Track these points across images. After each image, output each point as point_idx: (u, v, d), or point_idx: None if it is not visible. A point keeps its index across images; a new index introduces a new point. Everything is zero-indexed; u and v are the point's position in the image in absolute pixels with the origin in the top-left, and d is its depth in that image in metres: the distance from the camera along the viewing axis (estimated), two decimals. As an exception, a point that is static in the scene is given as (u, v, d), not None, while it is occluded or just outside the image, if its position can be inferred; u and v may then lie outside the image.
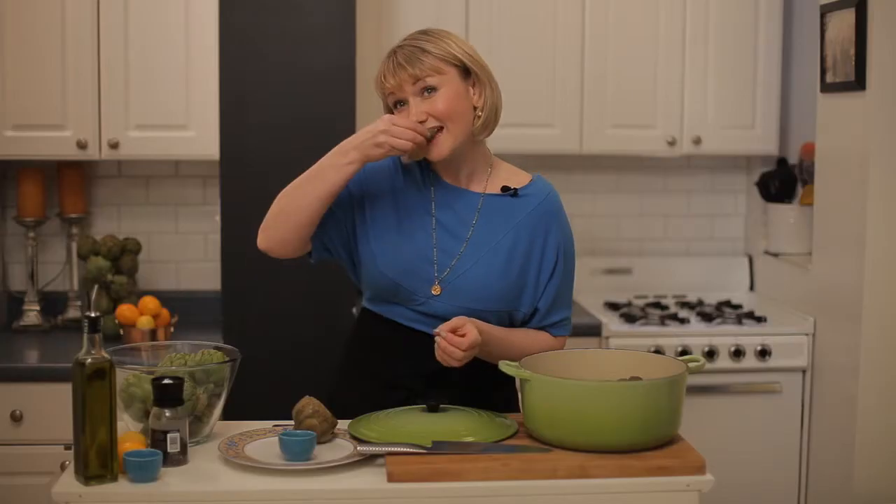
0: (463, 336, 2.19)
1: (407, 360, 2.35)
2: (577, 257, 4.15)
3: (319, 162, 2.28)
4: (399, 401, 2.31)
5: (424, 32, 2.33)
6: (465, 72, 2.31)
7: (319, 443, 2.09)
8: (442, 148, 2.28)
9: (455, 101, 2.27)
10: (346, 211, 2.37)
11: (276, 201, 2.33)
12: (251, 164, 3.41)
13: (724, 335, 3.64)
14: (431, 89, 2.27)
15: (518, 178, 2.43)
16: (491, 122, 2.36)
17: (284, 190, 2.32)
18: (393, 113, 2.32)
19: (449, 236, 2.34)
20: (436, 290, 2.32)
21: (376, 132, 2.21)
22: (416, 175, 2.39)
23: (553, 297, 2.38)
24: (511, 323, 2.38)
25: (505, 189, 2.38)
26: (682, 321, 3.73)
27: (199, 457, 2.07)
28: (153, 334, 3.43)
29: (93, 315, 1.96)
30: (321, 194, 2.26)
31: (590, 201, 4.25)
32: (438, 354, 2.21)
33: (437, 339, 2.20)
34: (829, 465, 3.45)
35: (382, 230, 2.35)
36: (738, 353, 3.61)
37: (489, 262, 2.33)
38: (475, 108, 2.33)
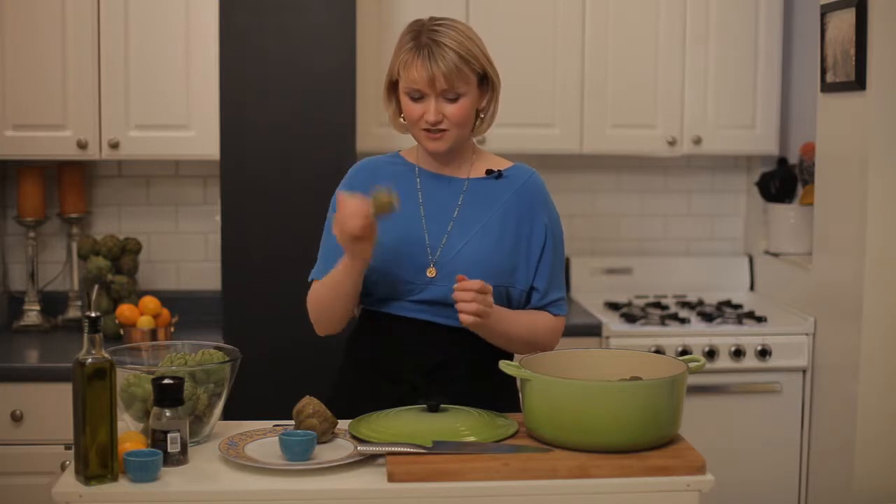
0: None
1: (407, 354, 2.36)
2: (578, 257, 4.20)
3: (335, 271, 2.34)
4: (400, 396, 2.31)
5: (449, 24, 2.33)
6: (483, 79, 2.37)
7: (320, 443, 2.09)
8: (443, 145, 2.35)
9: (470, 112, 2.35)
10: None
11: (309, 303, 2.42)
12: (251, 164, 3.41)
13: (725, 335, 3.64)
14: (454, 96, 2.32)
15: (501, 163, 2.48)
16: (491, 123, 2.45)
17: (312, 297, 2.41)
18: (395, 90, 2.36)
19: (436, 219, 2.38)
20: (431, 273, 2.35)
21: (342, 238, 2.23)
22: (397, 172, 2.44)
23: (548, 275, 2.41)
24: (509, 302, 2.39)
25: (489, 172, 2.43)
26: (683, 321, 3.73)
27: (199, 457, 2.07)
28: (153, 334, 3.44)
29: (93, 315, 1.96)
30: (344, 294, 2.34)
31: (590, 201, 4.25)
32: (460, 307, 2.22)
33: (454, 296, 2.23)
34: (829, 465, 3.45)
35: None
36: (738, 353, 3.61)
37: (480, 240, 2.36)
38: (479, 112, 2.40)
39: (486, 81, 2.38)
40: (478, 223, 2.37)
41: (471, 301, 2.21)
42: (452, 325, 2.35)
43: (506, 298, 2.38)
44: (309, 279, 2.47)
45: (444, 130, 2.33)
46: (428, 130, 2.33)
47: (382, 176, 2.42)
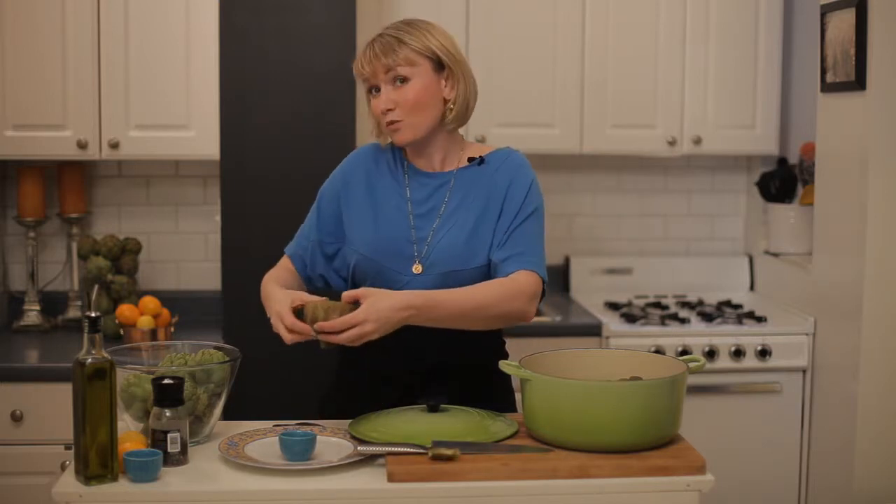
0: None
1: (403, 355, 2.35)
2: (578, 257, 4.20)
3: (266, 294, 2.32)
4: (398, 396, 2.31)
5: (407, 23, 2.37)
6: (439, 65, 2.36)
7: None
8: (404, 135, 2.35)
9: (423, 94, 2.33)
10: (338, 238, 2.44)
11: (263, 284, 2.41)
12: (251, 164, 3.41)
13: (725, 335, 3.64)
14: (403, 79, 2.32)
15: (485, 150, 2.47)
16: (462, 115, 2.41)
17: (263, 282, 2.39)
18: (370, 96, 2.38)
19: (425, 217, 2.38)
20: (417, 269, 2.35)
21: (273, 316, 2.22)
22: (390, 164, 2.45)
23: (509, 232, 2.34)
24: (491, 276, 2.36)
25: (471, 160, 2.43)
26: (683, 321, 3.73)
27: (199, 457, 2.07)
28: (153, 334, 3.44)
29: (93, 315, 1.96)
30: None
31: (590, 201, 4.25)
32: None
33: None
34: (829, 465, 3.45)
35: (360, 217, 2.41)
36: (738, 353, 3.61)
37: (461, 226, 2.35)
38: (446, 101, 2.38)
39: (443, 68, 2.36)
40: (461, 211, 2.37)
41: (339, 339, 2.14)
42: None
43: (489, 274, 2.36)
44: (284, 250, 2.50)
45: (399, 120, 2.33)
46: (388, 124, 2.35)
47: (381, 169, 2.44)
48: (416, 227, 2.37)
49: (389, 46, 2.32)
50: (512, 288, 2.27)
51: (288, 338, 2.18)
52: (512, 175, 2.39)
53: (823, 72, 3.43)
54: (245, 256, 3.43)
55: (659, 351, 3.54)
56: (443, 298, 2.21)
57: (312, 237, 2.47)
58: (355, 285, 2.40)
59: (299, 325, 2.16)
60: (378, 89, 2.35)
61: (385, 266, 2.35)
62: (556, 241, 4.20)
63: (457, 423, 2.15)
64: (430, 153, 2.42)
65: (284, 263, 2.49)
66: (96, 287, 3.56)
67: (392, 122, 2.34)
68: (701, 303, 4.02)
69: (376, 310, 2.14)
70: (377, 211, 2.40)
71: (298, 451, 2.02)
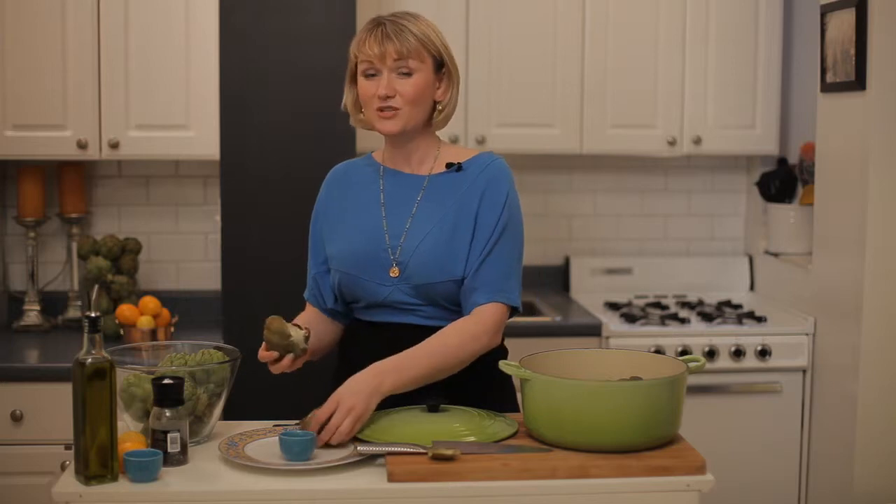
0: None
1: None
2: (578, 257, 4.20)
3: None
4: (398, 396, 2.31)
5: (411, 14, 2.37)
6: (439, 65, 2.36)
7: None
8: (395, 124, 2.34)
9: (422, 90, 2.33)
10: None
11: None
12: (251, 164, 3.41)
13: (725, 335, 3.64)
14: (409, 72, 2.31)
15: (464, 155, 2.45)
16: (448, 118, 2.43)
17: None
18: (356, 80, 2.38)
19: (396, 218, 2.38)
20: (394, 273, 2.34)
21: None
22: (362, 173, 2.47)
23: (483, 257, 2.32)
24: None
25: (449, 165, 2.41)
26: (683, 321, 3.73)
27: (199, 457, 2.07)
28: (153, 334, 3.44)
29: (93, 315, 1.96)
30: None
31: (590, 201, 4.25)
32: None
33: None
34: (829, 465, 3.45)
35: (336, 233, 2.42)
36: (738, 353, 3.61)
37: (437, 235, 2.34)
38: (437, 102, 2.39)
39: (444, 70, 2.37)
40: (435, 218, 2.35)
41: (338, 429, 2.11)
42: (429, 324, 2.33)
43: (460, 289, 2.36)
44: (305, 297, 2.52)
45: (396, 109, 2.32)
46: (381, 110, 2.33)
47: (353, 181, 2.46)
48: (390, 231, 2.36)
49: (401, 34, 2.31)
50: (475, 332, 2.27)
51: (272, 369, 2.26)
52: (484, 189, 2.35)
53: (823, 72, 3.43)
54: (245, 256, 3.43)
55: (659, 351, 3.54)
56: (408, 362, 2.22)
57: (313, 272, 2.48)
58: (344, 304, 2.44)
59: (262, 353, 2.23)
60: (375, 73, 2.33)
61: (363, 278, 2.35)
62: (556, 241, 4.21)
63: (457, 423, 2.14)
64: (409, 152, 2.41)
65: (307, 309, 2.51)
66: (96, 287, 3.56)
67: (387, 109, 2.32)
68: (701, 303, 4.02)
69: (346, 385, 2.15)
70: (351, 221, 2.40)
71: (298, 451, 2.02)
